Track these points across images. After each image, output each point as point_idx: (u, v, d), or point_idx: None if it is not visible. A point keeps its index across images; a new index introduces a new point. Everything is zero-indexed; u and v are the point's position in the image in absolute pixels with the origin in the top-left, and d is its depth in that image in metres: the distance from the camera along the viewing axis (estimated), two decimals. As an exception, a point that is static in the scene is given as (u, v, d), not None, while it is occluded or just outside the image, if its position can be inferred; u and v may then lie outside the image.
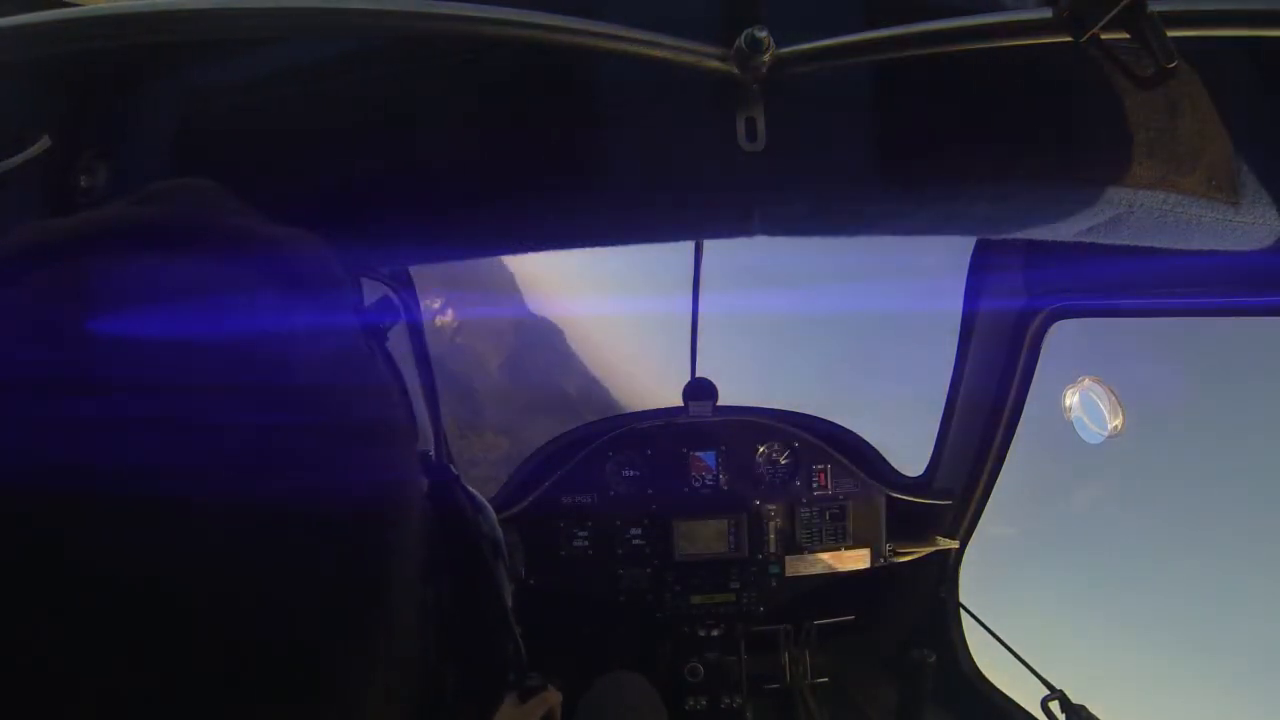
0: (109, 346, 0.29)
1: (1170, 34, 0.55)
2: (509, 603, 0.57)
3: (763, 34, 0.63)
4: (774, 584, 2.10)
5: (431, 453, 0.58)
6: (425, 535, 0.44)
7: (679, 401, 2.16)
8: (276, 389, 0.32)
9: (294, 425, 0.32)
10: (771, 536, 2.10)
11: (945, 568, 2.11)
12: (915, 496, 2.10)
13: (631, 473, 2.12)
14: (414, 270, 1.75)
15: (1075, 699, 1.48)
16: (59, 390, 0.28)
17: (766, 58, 0.64)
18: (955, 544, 2.05)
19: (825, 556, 2.09)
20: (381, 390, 0.40)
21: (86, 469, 0.27)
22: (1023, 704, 1.77)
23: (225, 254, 0.36)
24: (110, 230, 0.35)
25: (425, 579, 0.41)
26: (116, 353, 0.29)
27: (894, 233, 0.79)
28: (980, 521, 2.04)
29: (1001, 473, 1.93)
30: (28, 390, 0.28)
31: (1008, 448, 1.87)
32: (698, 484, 2.13)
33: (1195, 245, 0.80)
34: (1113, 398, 1.52)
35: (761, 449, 2.13)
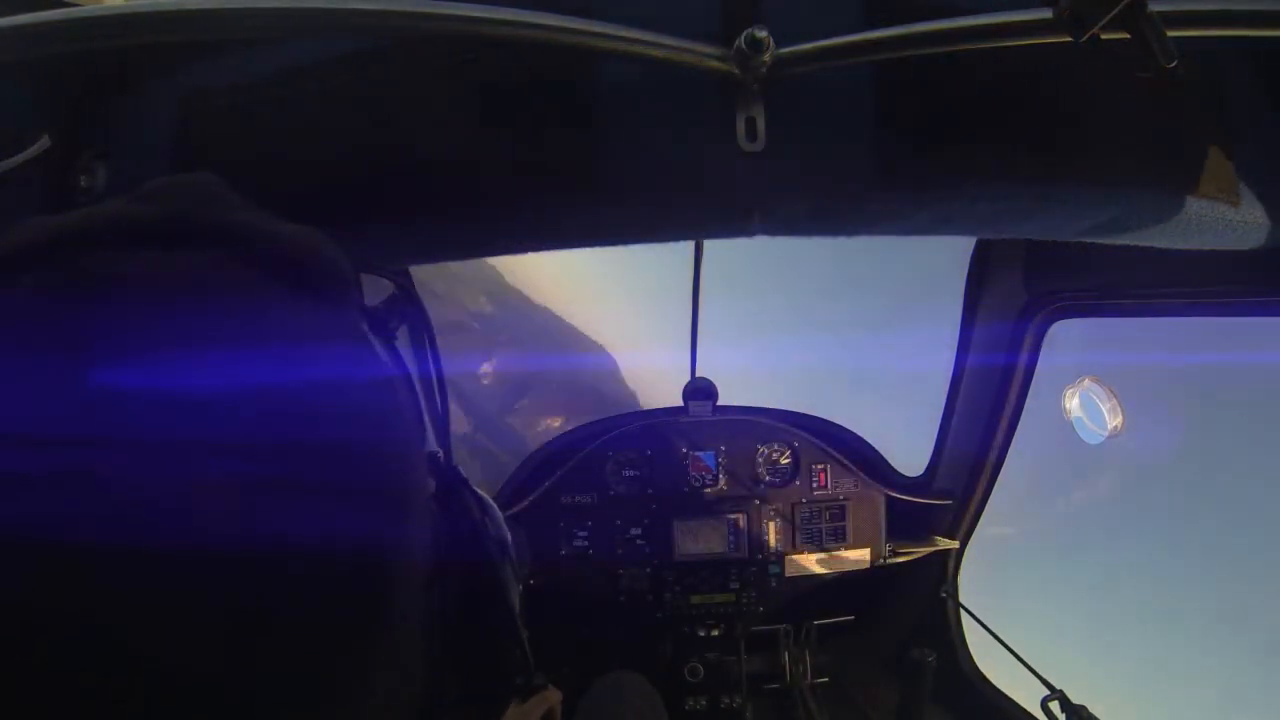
0: (107, 350, 0.29)
1: (1170, 34, 0.55)
2: (516, 605, 0.57)
3: (763, 34, 0.63)
4: (774, 584, 2.10)
5: (440, 454, 0.57)
6: (431, 538, 0.43)
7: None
8: (281, 404, 0.31)
9: (292, 441, 0.31)
10: (771, 536, 2.10)
11: (945, 568, 2.11)
12: (915, 496, 2.10)
13: (631, 473, 2.12)
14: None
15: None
16: (56, 395, 0.28)
17: (766, 58, 0.64)
18: (955, 544, 2.05)
19: (825, 556, 2.09)
20: (385, 391, 0.39)
21: (84, 483, 0.26)
22: (1023, 704, 1.77)
23: (226, 251, 0.35)
24: (110, 227, 0.34)
25: (430, 582, 0.41)
26: (114, 360, 0.29)
27: (894, 233, 0.79)
28: (980, 522, 2.04)
29: (1001, 473, 1.93)
30: (24, 396, 0.28)
31: (1008, 448, 1.87)
32: (698, 484, 2.13)
33: (1195, 245, 0.80)
34: (1113, 398, 1.52)
35: (761, 449, 2.13)
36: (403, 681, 0.37)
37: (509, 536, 0.59)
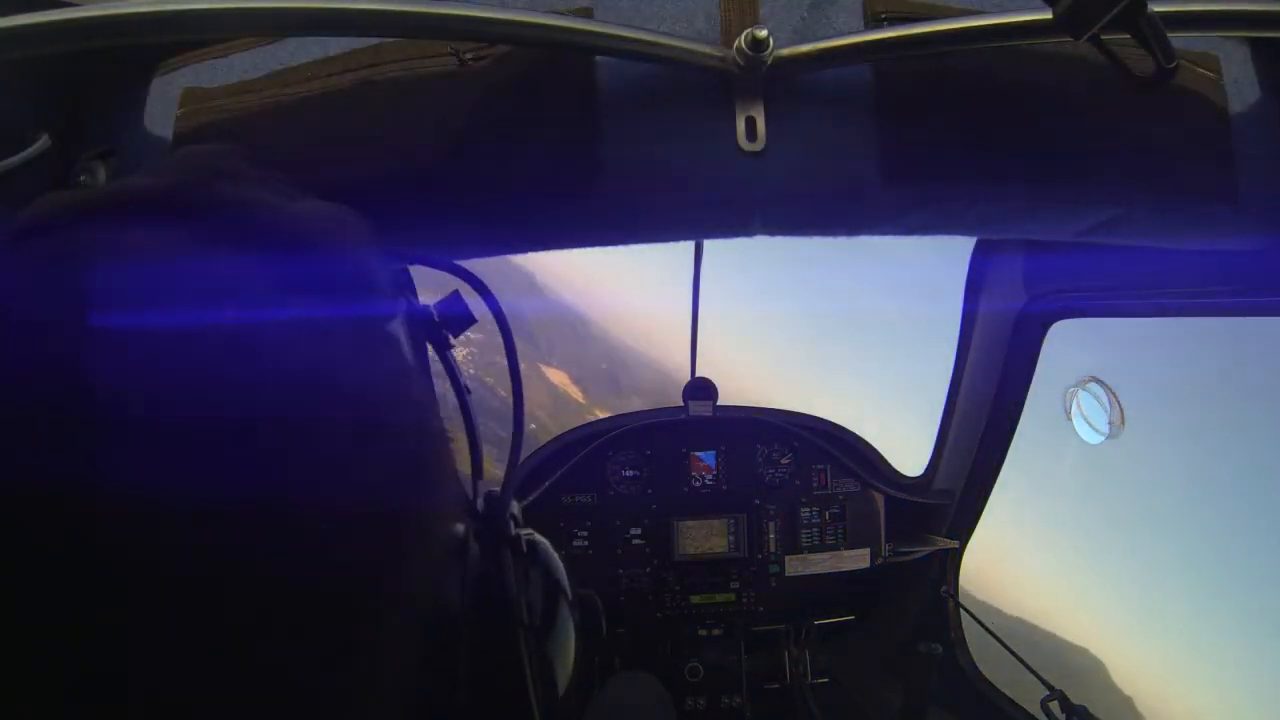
0: (109, 319, 0.29)
1: (1170, 34, 0.55)
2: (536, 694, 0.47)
3: (763, 34, 0.63)
4: (774, 584, 2.10)
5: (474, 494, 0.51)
6: (439, 584, 0.41)
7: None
8: (286, 381, 0.31)
9: (296, 421, 0.31)
10: (771, 536, 2.09)
11: (945, 567, 2.11)
12: (915, 496, 2.10)
13: (631, 472, 2.12)
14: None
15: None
16: (59, 368, 0.28)
17: (767, 58, 0.64)
18: (955, 544, 2.05)
19: (825, 556, 2.09)
20: (401, 385, 0.38)
21: (86, 458, 0.26)
22: (1023, 704, 1.77)
23: (231, 225, 0.35)
24: (111, 199, 0.34)
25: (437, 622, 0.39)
26: (116, 330, 0.29)
27: (894, 233, 0.79)
28: (980, 521, 2.05)
29: (1001, 472, 1.93)
30: (29, 369, 0.28)
31: (1007, 448, 1.87)
32: (698, 484, 2.12)
33: (1195, 245, 0.80)
34: (1113, 399, 1.52)
35: (761, 449, 2.13)
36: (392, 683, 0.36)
37: (569, 611, 0.50)
